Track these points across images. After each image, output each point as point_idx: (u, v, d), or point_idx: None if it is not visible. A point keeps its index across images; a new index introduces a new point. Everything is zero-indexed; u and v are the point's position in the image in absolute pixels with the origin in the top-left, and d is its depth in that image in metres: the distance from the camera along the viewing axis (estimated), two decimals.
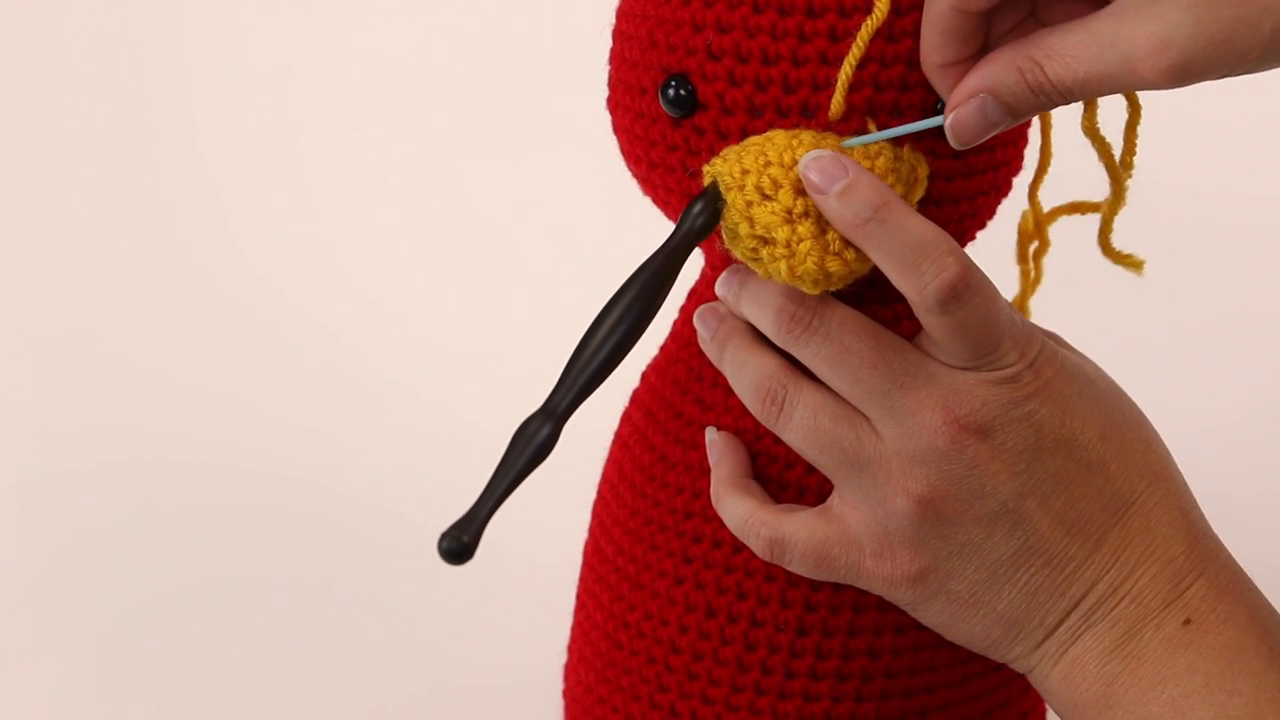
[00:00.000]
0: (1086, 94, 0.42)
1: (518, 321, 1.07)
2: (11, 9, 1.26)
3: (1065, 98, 0.42)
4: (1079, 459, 0.46)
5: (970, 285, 0.43)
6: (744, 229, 0.44)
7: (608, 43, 0.50)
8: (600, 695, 0.54)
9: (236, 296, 1.14)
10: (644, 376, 0.56)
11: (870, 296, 0.48)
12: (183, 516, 0.95)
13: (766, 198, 0.43)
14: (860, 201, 0.43)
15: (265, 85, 1.23)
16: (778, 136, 0.43)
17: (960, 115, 0.43)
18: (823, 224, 0.43)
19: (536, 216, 1.15)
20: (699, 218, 0.44)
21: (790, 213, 0.43)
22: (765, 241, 0.43)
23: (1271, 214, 1.08)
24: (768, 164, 0.43)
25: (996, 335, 0.44)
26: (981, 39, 0.44)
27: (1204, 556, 0.46)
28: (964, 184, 0.47)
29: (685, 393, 0.52)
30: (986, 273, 0.47)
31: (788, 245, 0.43)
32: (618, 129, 0.50)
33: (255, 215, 1.19)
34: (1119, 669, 0.46)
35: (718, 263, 0.51)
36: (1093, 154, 0.49)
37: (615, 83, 0.49)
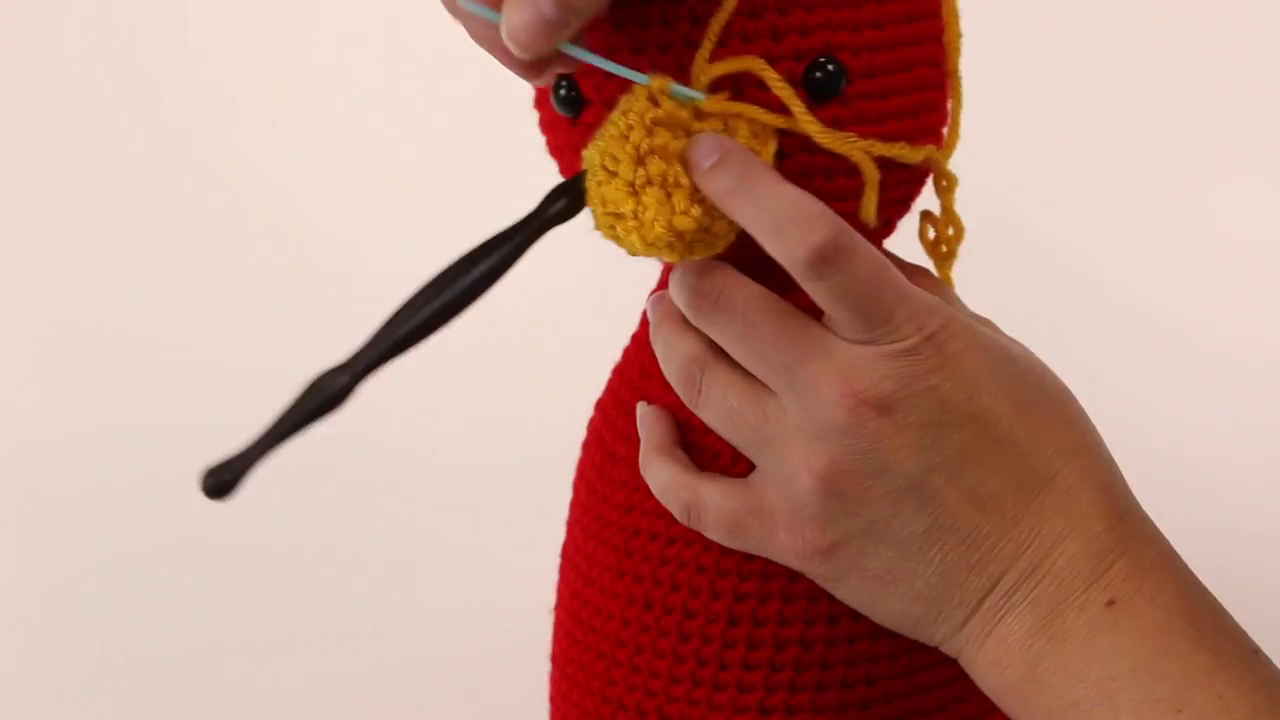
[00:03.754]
0: None
1: (514, 310, 1.07)
2: None
3: None
4: (989, 434, 0.45)
5: (842, 249, 0.43)
6: (598, 210, 0.45)
7: None
8: (564, 692, 0.55)
9: (224, 276, 1.16)
10: (607, 381, 0.57)
11: (791, 282, 0.48)
12: (158, 482, 0.95)
13: (611, 174, 0.44)
14: (728, 172, 0.43)
15: (264, 78, 1.24)
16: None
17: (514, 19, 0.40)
18: (667, 189, 0.44)
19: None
20: (553, 203, 0.45)
21: (632, 185, 0.44)
22: (618, 217, 0.45)
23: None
24: (609, 142, 0.44)
25: (886, 305, 0.44)
26: None
27: (1126, 535, 0.45)
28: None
29: (636, 390, 0.53)
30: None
31: (635, 216, 0.44)
32: (548, 146, 0.51)
33: (250, 205, 1.20)
34: (1044, 651, 0.44)
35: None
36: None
37: (536, 100, 0.51)
